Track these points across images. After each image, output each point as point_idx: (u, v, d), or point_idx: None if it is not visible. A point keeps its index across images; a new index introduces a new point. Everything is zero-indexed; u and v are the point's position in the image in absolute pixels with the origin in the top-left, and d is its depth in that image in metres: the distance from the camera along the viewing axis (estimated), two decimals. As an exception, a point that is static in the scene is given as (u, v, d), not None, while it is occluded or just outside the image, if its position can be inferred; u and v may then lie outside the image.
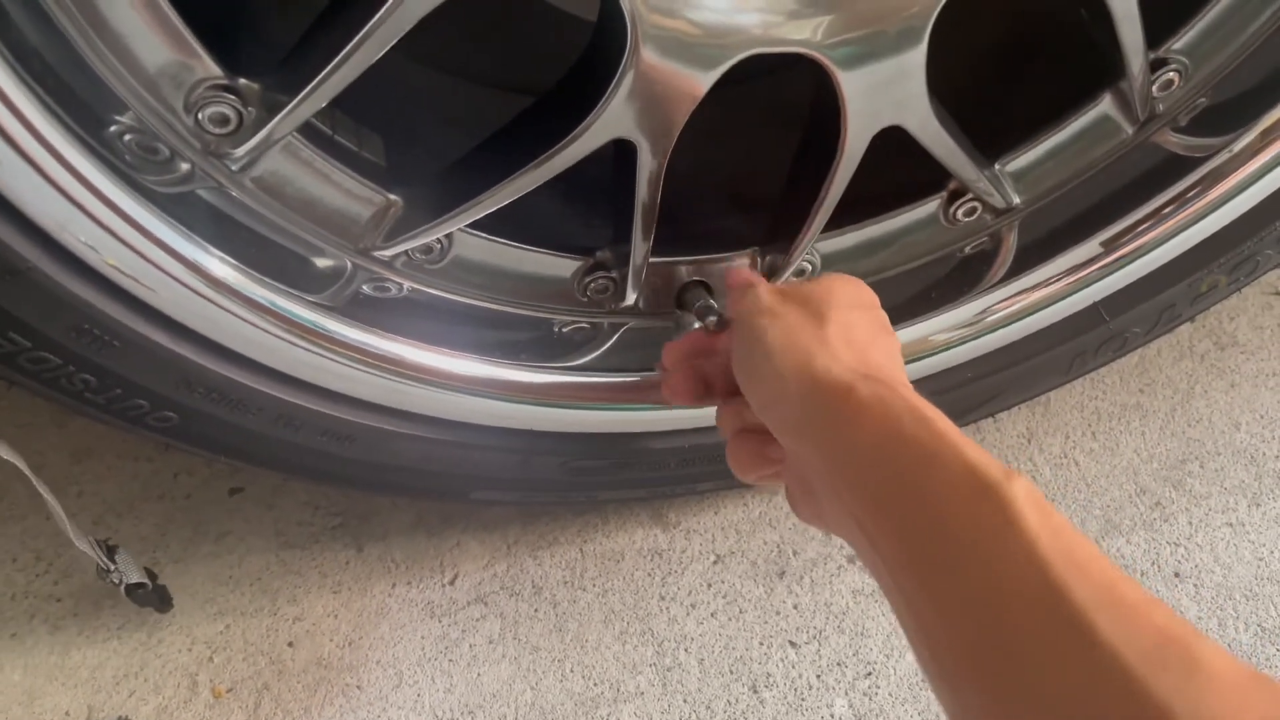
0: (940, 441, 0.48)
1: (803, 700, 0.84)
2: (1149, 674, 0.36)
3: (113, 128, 0.58)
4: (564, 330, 0.81)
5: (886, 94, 0.68)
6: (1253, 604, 0.87)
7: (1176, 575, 0.89)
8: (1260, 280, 1.01)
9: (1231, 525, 0.92)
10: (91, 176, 0.55)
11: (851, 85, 0.66)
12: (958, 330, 0.83)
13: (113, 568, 0.82)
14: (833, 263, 0.82)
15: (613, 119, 0.63)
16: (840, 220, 0.79)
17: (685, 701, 0.84)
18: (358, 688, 0.86)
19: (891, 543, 0.49)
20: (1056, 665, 0.39)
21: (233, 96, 0.59)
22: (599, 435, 0.81)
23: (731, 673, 0.86)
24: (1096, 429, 1.01)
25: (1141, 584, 0.41)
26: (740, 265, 0.79)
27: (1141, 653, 0.37)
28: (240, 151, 0.61)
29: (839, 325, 0.59)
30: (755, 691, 0.84)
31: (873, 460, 0.51)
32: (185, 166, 0.61)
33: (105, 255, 0.57)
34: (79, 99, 0.55)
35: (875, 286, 0.83)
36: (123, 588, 0.84)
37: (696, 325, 0.74)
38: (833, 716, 0.83)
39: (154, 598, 0.87)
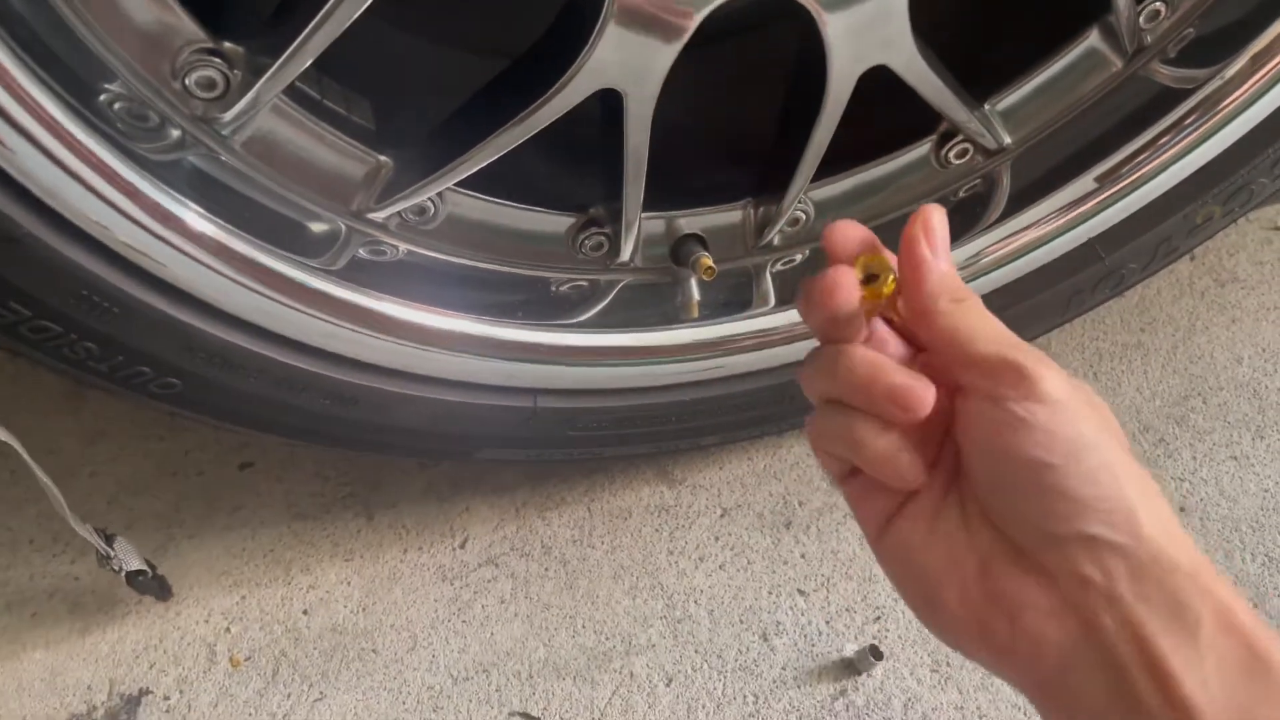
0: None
1: (813, 646, 0.85)
2: None
3: (102, 96, 0.58)
4: (561, 289, 0.82)
5: (870, 34, 0.68)
6: (1259, 535, 0.87)
7: (1182, 510, 0.89)
8: (1259, 216, 1.01)
9: (1236, 459, 0.92)
10: (84, 144, 0.56)
11: (835, 26, 0.66)
12: (961, 270, 0.83)
13: (112, 554, 0.83)
14: (826, 210, 0.83)
15: (596, 69, 0.63)
16: (832, 167, 0.79)
17: (697, 652, 0.85)
18: (373, 651, 0.87)
19: None
20: None
21: (218, 60, 0.60)
22: (602, 391, 0.82)
23: (742, 622, 0.86)
24: (1098, 369, 1.01)
25: None
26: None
27: None
28: (228, 116, 0.62)
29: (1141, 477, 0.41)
30: (766, 639, 0.85)
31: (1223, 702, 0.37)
32: (176, 133, 0.62)
33: (100, 221, 0.58)
34: (67, 66, 0.56)
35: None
36: (123, 575, 0.84)
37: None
38: (844, 661, 0.83)
39: (154, 585, 0.88)
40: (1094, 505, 0.39)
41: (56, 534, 0.98)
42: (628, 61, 0.64)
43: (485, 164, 0.68)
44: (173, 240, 0.61)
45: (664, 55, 0.64)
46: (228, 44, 0.60)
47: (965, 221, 0.85)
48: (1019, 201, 0.83)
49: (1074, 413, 0.41)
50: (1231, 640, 0.37)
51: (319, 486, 1.00)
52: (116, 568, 0.83)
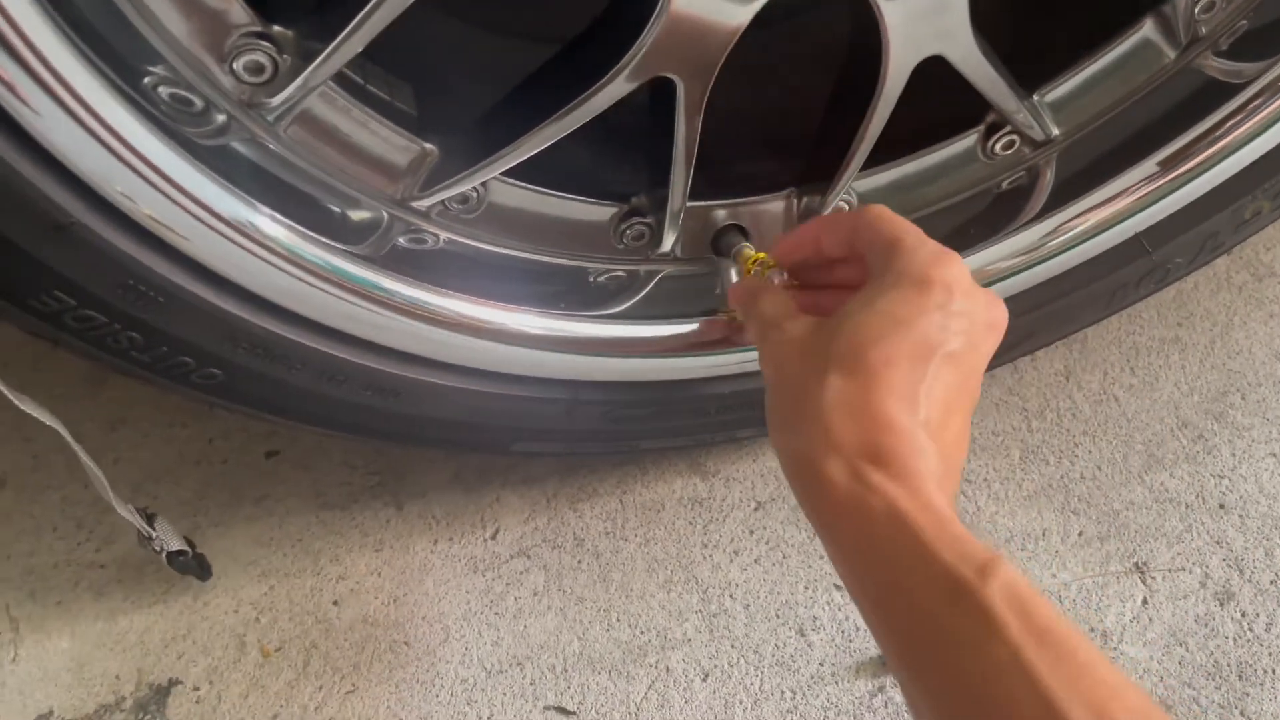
0: (915, 545, 0.45)
1: (850, 642, 0.84)
2: None
3: (147, 79, 0.57)
4: (600, 279, 0.81)
5: (929, 23, 0.66)
6: (1300, 533, 0.86)
7: (1222, 507, 0.89)
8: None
9: (1275, 455, 0.91)
10: (131, 129, 0.54)
11: (894, 14, 0.65)
12: (1009, 260, 0.81)
13: (154, 535, 0.82)
14: (870, 201, 0.81)
15: (652, 56, 0.62)
16: (877, 158, 0.77)
17: (733, 646, 0.84)
18: (405, 644, 0.87)
19: (882, 641, 0.48)
20: None
21: (267, 44, 0.58)
22: (640, 384, 0.81)
23: (778, 617, 0.86)
24: (1135, 364, 1.00)
25: (1135, 691, 0.41)
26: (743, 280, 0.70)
27: None
28: (276, 101, 0.60)
29: (838, 393, 0.51)
30: (803, 634, 0.84)
31: (852, 563, 0.49)
32: (221, 118, 0.60)
33: (147, 209, 0.56)
34: (114, 50, 0.54)
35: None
36: (164, 555, 0.84)
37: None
38: (882, 657, 0.83)
39: (194, 565, 0.87)
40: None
41: (81, 521, 0.97)
42: (684, 48, 0.62)
43: (533, 153, 0.66)
44: (218, 227, 0.60)
45: (721, 42, 0.62)
46: (277, 28, 0.58)
47: (1008, 214, 0.83)
48: (1064, 194, 0.82)
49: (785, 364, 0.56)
50: None
51: (346, 476, 0.98)
52: (158, 548, 0.82)
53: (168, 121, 0.57)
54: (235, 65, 0.58)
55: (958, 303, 0.53)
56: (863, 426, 0.49)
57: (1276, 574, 0.84)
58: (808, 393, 0.52)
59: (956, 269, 0.54)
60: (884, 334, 0.51)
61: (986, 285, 0.82)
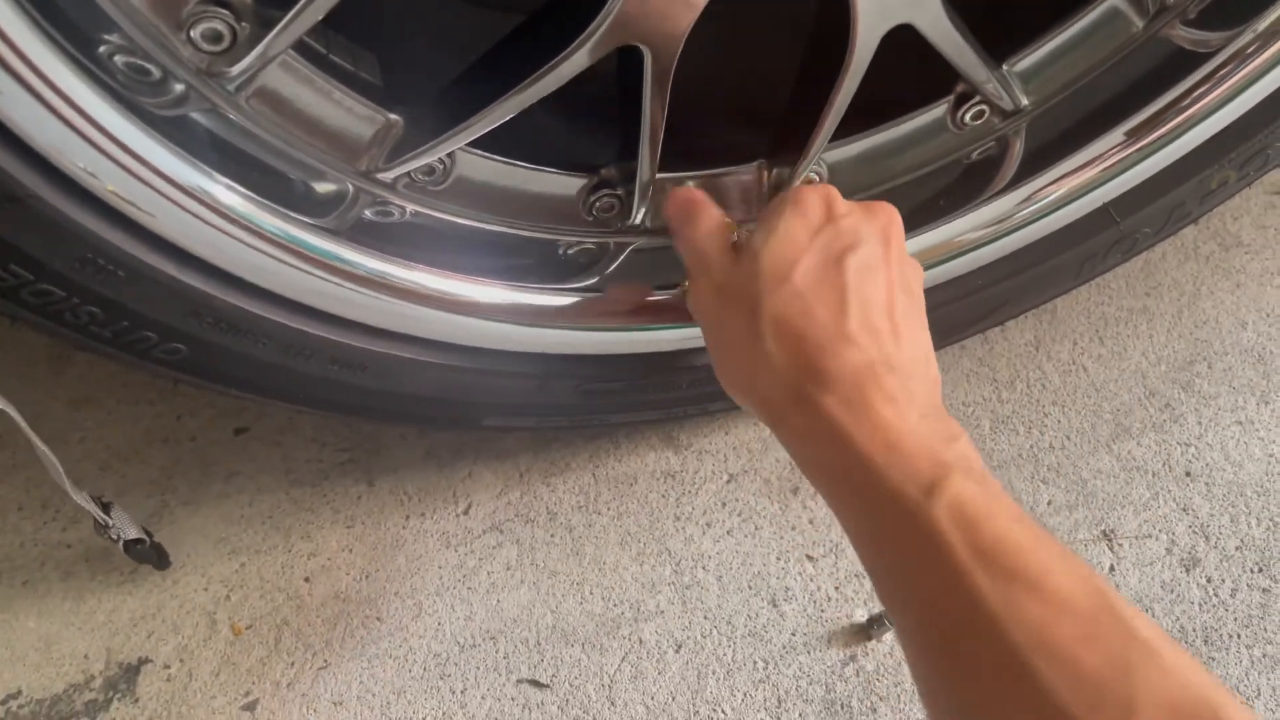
0: (864, 470, 0.47)
1: (822, 612, 0.84)
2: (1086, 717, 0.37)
3: (102, 47, 0.56)
4: (569, 252, 0.80)
5: (898, -9, 0.66)
6: (1264, 499, 0.87)
7: (1188, 475, 0.89)
8: (1262, 181, 1.01)
9: (1241, 424, 0.92)
10: (87, 99, 0.53)
11: (862, -18, 0.64)
12: (979, 231, 0.82)
13: (110, 523, 0.81)
14: (839, 172, 0.81)
15: (619, 24, 0.61)
16: (846, 129, 0.77)
17: (706, 618, 0.84)
18: (377, 619, 0.86)
19: (862, 560, 0.50)
20: (1003, 707, 0.39)
21: (225, 11, 0.57)
22: (612, 357, 0.80)
23: (750, 588, 0.86)
24: (1104, 334, 1.00)
25: (1085, 599, 0.40)
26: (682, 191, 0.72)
27: (1079, 696, 0.37)
28: (235, 70, 0.59)
29: (772, 323, 0.54)
30: (775, 605, 0.85)
31: (818, 485, 0.52)
32: (179, 88, 0.59)
33: (105, 181, 0.55)
34: (67, 16, 0.53)
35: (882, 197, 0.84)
36: (120, 544, 0.83)
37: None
38: (854, 626, 0.83)
39: (151, 554, 0.86)
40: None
41: (46, 500, 0.96)
42: (651, 17, 0.61)
43: (499, 123, 0.66)
44: (178, 199, 0.59)
45: (688, 10, 0.62)
46: (235, -7, 0.57)
47: (979, 185, 0.83)
48: (1033, 165, 0.82)
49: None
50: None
51: (317, 452, 0.98)
52: (114, 536, 0.81)
53: (124, 92, 0.56)
54: (193, 33, 0.57)
55: (842, 218, 0.58)
56: (803, 351, 0.52)
57: (1241, 540, 0.85)
58: (747, 332, 0.55)
59: (818, 193, 0.61)
60: (795, 254, 0.56)
61: (957, 256, 0.83)
